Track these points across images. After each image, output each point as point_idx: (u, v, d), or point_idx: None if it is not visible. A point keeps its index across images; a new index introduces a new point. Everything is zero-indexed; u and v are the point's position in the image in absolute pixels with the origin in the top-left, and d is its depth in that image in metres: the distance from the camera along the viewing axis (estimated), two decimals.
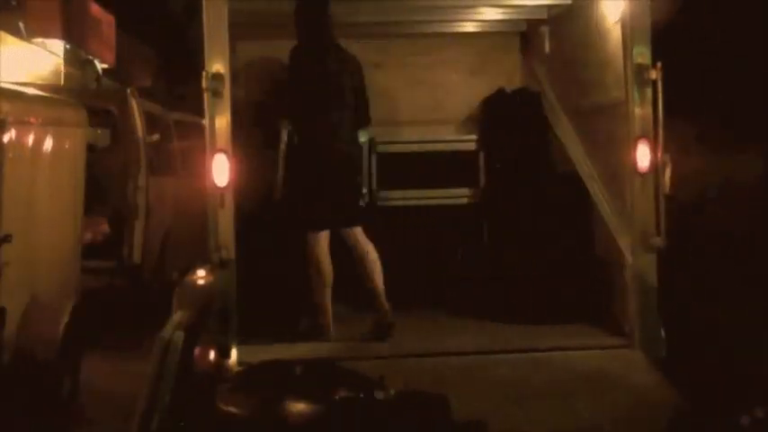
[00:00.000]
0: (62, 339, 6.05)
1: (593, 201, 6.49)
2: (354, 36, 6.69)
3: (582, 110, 6.71)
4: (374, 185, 7.06)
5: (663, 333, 5.60)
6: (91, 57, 14.07)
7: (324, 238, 6.10)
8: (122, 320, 7.72)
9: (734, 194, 7.90)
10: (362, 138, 6.74)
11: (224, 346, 5.30)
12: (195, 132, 8.51)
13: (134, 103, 8.86)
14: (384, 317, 6.07)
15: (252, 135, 6.60)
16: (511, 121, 7.18)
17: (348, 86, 6.21)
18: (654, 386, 5.21)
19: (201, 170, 5.62)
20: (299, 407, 4.39)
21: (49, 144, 6.12)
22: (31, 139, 5.89)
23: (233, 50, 6.20)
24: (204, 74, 5.45)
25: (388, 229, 6.64)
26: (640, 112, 5.65)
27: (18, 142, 5.68)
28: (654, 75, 5.57)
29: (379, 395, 4.55)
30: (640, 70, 5.63)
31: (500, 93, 7.36)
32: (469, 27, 7.45)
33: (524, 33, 7.60)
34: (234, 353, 5.42)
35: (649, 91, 5.61)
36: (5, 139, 5.47)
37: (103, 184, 8.36)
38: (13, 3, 12.14)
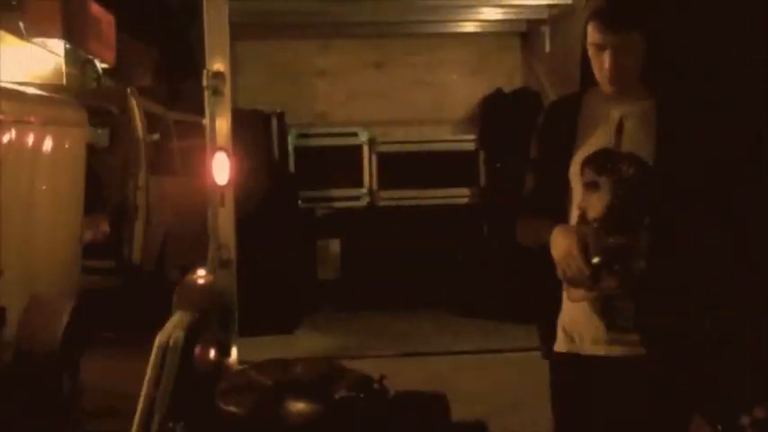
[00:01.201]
0: (62, 339, 6.05)
1: None
2: (354, 36, 6.67)
3: None
4: (374, 185, 7.05)
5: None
6: (91, 57, 14.09)
7: None
8: (122, 320, 7.72)
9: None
10: (362, 137, 6.76)
11: (224, 344, 5.29)
12: (195, 132, 8.51)
13: (134, 103, 8.87)
14: None
15: None
16: (511, 120, 7.16)
17: None
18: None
19: (202, 169, 5.62)
20: (298, 407, 4.38)
21: (49, 144, 6.13)
22: (31, 139, 5.89)
23: (233, 50, 6.20)
24: (205, 72, 5.45)
25: (388, 229, 6.64)
26: None
27: (18, 142, 5.68)
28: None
29: (379, 395, 4.54)
30: None
31: (499, 93, 7.35)
32: (469, 27, 7.44)
33: (524, 33, 7.57)
34: (234, 352, 5.42)
35: None
36: (5, 139, 5.47)
37: (103, 184, 8.37)
38: (13, 2, 12.15)
